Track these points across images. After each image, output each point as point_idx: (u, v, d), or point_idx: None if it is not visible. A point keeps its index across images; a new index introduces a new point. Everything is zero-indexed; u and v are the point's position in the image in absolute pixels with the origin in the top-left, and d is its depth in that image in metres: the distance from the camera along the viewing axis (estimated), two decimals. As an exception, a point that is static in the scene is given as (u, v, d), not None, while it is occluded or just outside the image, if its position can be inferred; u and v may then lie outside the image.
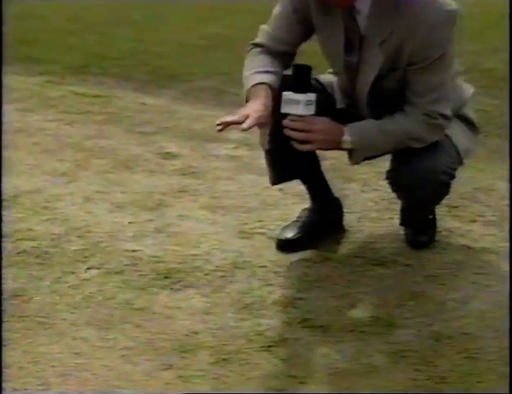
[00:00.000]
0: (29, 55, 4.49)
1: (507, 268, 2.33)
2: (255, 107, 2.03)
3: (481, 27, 4.81)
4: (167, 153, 3.19)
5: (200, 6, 5.50)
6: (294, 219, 2.52)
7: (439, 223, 2.53)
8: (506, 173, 2.98)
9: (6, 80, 4.05)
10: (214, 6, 5.53)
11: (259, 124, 2.03)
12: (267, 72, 2.14)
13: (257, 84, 2.11)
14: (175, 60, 4.38)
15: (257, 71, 2.15)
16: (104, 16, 5.34)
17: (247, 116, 1.99)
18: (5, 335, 2.02)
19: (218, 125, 1.99)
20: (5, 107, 3.69)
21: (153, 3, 5.63)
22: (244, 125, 1.97)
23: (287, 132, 2.08)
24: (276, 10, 2.24)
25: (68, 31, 4.97)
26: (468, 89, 2.38)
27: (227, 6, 5.44)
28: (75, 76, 4.12)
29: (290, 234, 2.46)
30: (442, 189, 2.24)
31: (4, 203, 2.73)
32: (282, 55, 2.21)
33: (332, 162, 2.72)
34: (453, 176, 2.24)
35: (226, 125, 1.99)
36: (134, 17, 5.30)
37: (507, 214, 2.66)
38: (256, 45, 2.23)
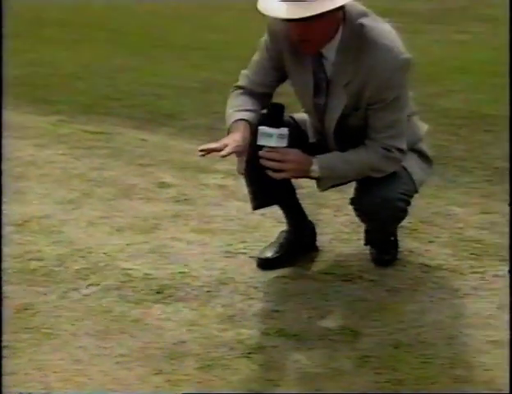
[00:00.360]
0: (43, 97, 4.49)
1: (459, 283, 2.34)
2: (234, 138, 2.08)
3: (438, 72, 4.86)
4: (163, 182, 3.17)
5: (195, 54, 5.53)
6: (273, 240, 2.52)
7: (400, 244, 2.52)
8: (461, 199, 2.99)
9: (22, 119, 4.07)
10: (208, 53, 5.57)
11: (236, 152, 2.06)
12: (246, 110, 2.18)
13: (237, 120, 2.15)
14: (172, 101, 4.39)
15: (238, 109, 2.19)
16: (109, 62, 5.36)
17: (226, 145, 2.03)
18: (12, 345, 2.01)
19: (201, 151, 2.02)
20: (20, 142, 3.71)
21: (152, 50, 5.67)
22: (223, 153, 2.02)
23: (263, 162, 2.10)
24: (255, 56, 2.28)
25: (77, 76, 4.97)
26: (423, 127, 2.39)
27: (220, 54, 5.48)
28: (82, 116, 4.11)
29: (269, 254, 2.47)
30: (399, 214, 2.25)
31: (16, 228, 2.72)
32: (260, 96, 2.24)
33: (308, 190, 2.72)
34: (409, 203, 2.25)
35: (208, 151, 2.03)
36: (135, 64, 5.31)
37: (461, 236, 2.66)
38: (238, 87, 2.26)
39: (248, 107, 2.19)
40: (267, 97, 2.25)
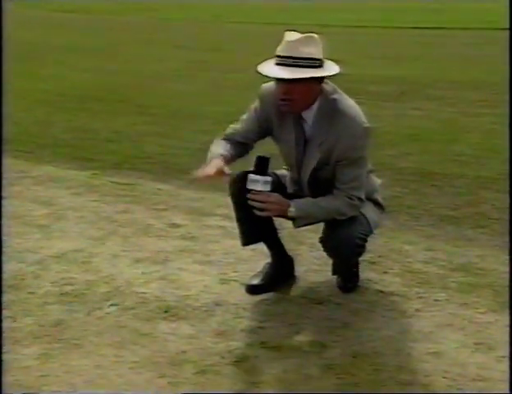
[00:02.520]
0: (82, 156, 4.49)
1: (406, 306, 2.33)
2: (214, 164, 2.12)
3: (395, 139, 4.89)
4: (173, 223, 3.17)
5: (203, 122, 5.59)
6: (259, 270, 2.52)
7: (361, 274, 2.53)
8: (410, 239, 2.97)
9: (65, 173, 4.05)
10: (213, 121, 5.62)
11: (217, 171, 2.09)
12: (223, 151, 2.21)
13: (215, 155, 2.18)
14: (183, 159, 4.38)
15: (216, 149, 2.22)
16: (135, 129, 5.40)
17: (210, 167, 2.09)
18: (47, 352, 2.00)
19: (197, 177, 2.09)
20: (62, 191, 3.68)
21: (169, 120, 5.72)
22: (208, 172, 2.08)
23: (250, 202, 2.13)
24: (244, 115, 2.32)
25: (109, 140, 4.98)
26: (377, 181, 2.42)
27: (222, 122, 5.55)
28: (112, 170, 4.10)
29: (255, 281, 2.46)
30: (358, 250, 2.26)
31: (54, 259, 2.72)
32: (238, 143, 2.27)
33: (288, 230, 2.73)
34: (366, 241, 2.26)
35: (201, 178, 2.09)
36: (155, 130, 5.35)
37: (410, 268, 2.65)
38: (224, 135, 2.31)
39: (224, 149, 2.22)
40: (244, 146, 2.28)
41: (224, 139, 2.28)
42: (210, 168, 2.08)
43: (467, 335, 2.11)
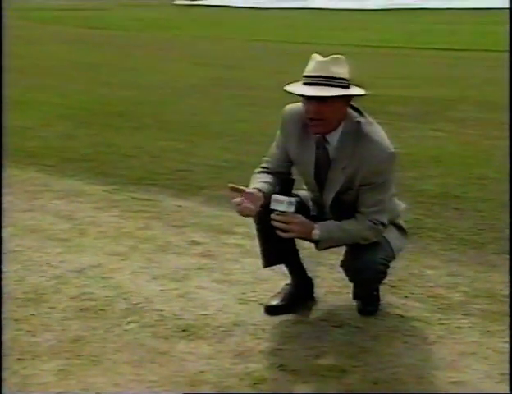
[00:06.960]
0: (103, 171, 4.52)
1: (428, 332, 2.29)
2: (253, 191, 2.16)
3: (416, 160, 4.86)
4: (192, 240, 3.17)
5: (224, 139, 5.60)
6: (279, 291, 2.50)
7: (381, 298, 2.49)
8: (432, 263, 2.94)
9: (86, 188, 4.07)
10: (234, 139, 5.64)
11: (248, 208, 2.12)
12: (261, 182, 2.23)
13: (253, 187, 2.20)
14: (203, 176, 4.40)
15: (256, 181, 2.24)
16: (156, 145, 5.43)
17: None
18: (66, 368, 2.00)
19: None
20: (83, 205, 3.71)
21: (191, 136, 5.75)
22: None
23: (273, 223, 2.12)
24: (272, 146, 2.33)
25: (131, 155, 5.02)
26: (401, 205, 2.40)
27: (243, 140, 5.55)
28: (133, 186, 4.12)
29: (275, 302, 2.44)
30: (380, 275, 2.24)
31: (75, 274, 2.73)
32: (274, 173, 2.29)
33: (308, 250, 2.72)
34: (388, 266, 2.24)
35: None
36: (176, 146, 5.38)
37: (431, 293, 2.62)
38: (261, 168, 2.32)
39: (263, 180, 2.24)
40: (281, 173, 2.30)
41: (261, 171, 2.29)
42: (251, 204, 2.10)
43: (491, 365, 2.07)
